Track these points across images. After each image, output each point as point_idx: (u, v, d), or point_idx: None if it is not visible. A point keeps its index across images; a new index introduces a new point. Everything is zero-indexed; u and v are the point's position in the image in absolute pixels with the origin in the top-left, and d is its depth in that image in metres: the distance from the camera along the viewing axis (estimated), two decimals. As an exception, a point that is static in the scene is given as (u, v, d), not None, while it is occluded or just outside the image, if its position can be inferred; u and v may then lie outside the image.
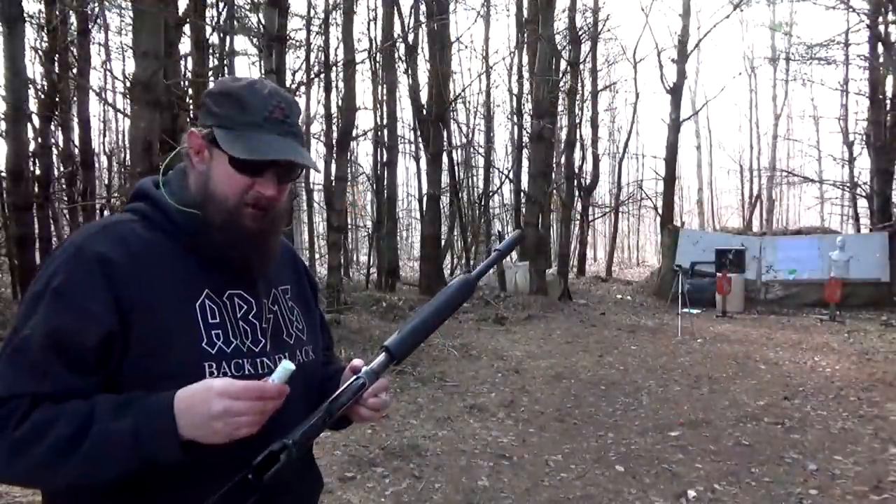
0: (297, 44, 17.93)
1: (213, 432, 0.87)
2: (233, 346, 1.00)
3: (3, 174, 9.73)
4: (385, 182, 17.03)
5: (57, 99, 11.05)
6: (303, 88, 17.82)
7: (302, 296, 1.21)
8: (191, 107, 8.54)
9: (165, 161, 1.09)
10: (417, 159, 19.68)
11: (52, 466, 0.87)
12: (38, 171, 10.07)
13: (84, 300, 0.92)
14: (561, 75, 16.26)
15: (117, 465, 0.87)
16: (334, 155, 11.82)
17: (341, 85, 16.21)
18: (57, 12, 10.39)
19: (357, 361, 1.07)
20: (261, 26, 11.41)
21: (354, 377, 1.01)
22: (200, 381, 0.90)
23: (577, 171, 19.24)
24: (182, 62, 11.13)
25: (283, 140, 1.02)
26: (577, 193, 20.30)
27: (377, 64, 17.92)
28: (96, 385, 0.93)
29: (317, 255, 20.24)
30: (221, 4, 12.55)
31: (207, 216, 1.02)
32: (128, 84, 9.26)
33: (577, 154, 19.77)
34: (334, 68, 17.42)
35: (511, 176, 19.05)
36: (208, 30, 10.92)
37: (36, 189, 9.47)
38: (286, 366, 0.91)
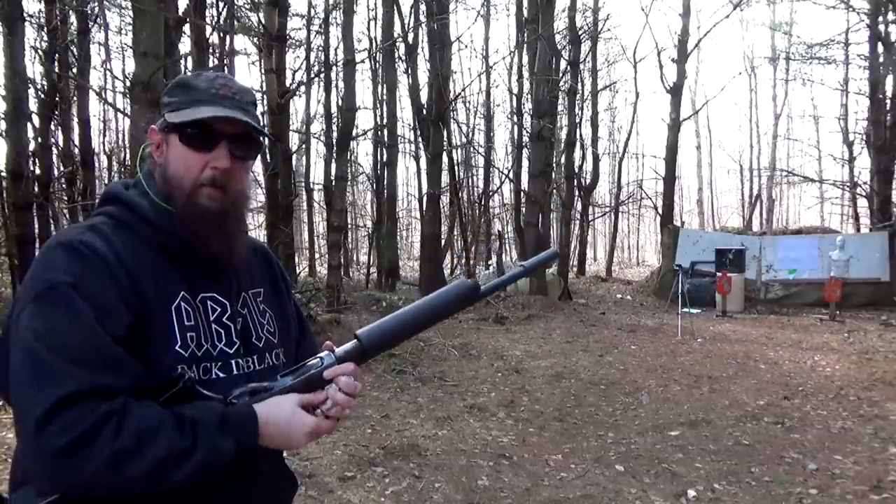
0: (297, 43, 17.94)
1: (294, 446, 1.00)
2: (204, 349, 0.99)
3: (3, 174, 9.72)
4: (385, 182, 17.04)
5: (57, 99, 11.04)
6: (303, 88, 17.84)
7: (277, 298, 1.20)
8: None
9: (136, 160, 1.11)
10: (417, 159, 19.70)
11: (159, 477, 0.85)
12: (38, 171, 10.06)
13: (101, 290, 0.91)
14: (561, 75, 16.25)
15: (219, 475, 0.91)
16: (334, 155, 11.82)
17: (341, 85, 16.24)
18: (57, 12, 10.38)
19: (330, 343, 1.06)
20: (261, 26, 11.43)
21: (313, 357, 1.01)
22: (290, 408, 0.96)
23: (577, 170, 19.24)
24: (182, 62, 11.14)
25: (228, 109, 1.03)
26: (577, 193, 20.31)
27: (377, 64, 17.93)
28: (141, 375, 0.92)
29: (317, 255, 20.25)
30: (221, 4, 12.55)
31: (171, 202, 1.02)
32: (128, 84, 9.25)
33: (577, 154, 19.78)
34: (334, 68, 17.44)
35: (511, 176, 19.05)
36: (208, 29, 10.92)
37: (36, 189, 9.46)
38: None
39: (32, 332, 0.87)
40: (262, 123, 1.11)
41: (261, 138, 1.09)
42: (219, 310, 1.04)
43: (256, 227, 11.12)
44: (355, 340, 1.02)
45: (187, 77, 1.07)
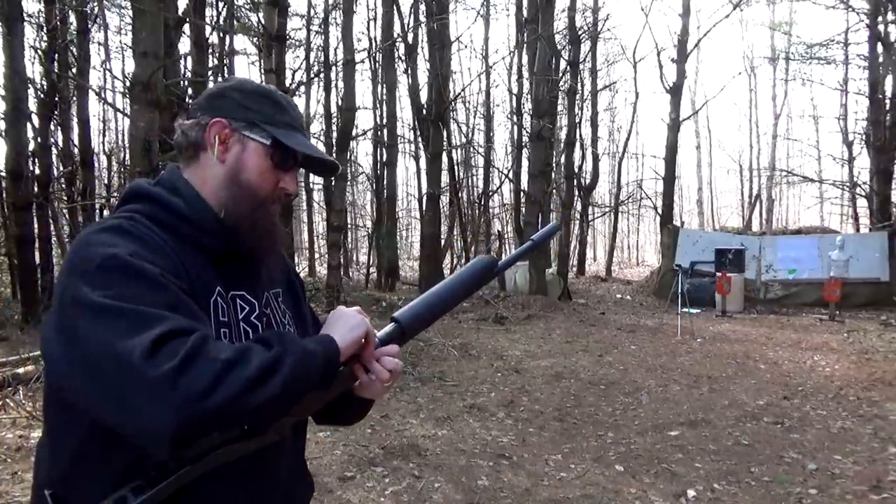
0: (297, 43, 17.97)
1: (351, 335, 0.98)
2: None
3: (3, 174, 9.72)
4: (385, 182, 17.04)
5: (56, 99, 11.04)
6: (303, 88, 17.84)
7: (293, 300, 1.22)
8: (190, 106, 8.55)
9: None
10: (417, 159, 19.70)
11: (261, 384, 0.82)
12: (37, 171, 10.07)
13: (160, 262, 0.90)
14: (561, 75, 16.26)
15: (310, 383, 0.90)
16: (334, 154, 11.83)
17: (341, 84, 16.25)
18: (57, 12, 10.38)
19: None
20: (260, 26, 11.43)
21: None
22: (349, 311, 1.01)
23: (576, 170, 19.24)
24: (182, 62, 11.14)
25: (311, 140, 1.12)
26: (576, 193, 20.31)
27: (377, 64, 17.94)
28: None
29: (317, 255, 20.25)
30: (221, 4, 12.56)
31: (231, 205, 1.03)
32: (127, 84, 9.25)
33: (577, 154, 19.79)
34: (334, 68, 17.45)
35: (511, 175, 19.06)
36: (208, 29, 10.92)
37: (36, 189, 9.46)
38: None
39: (104, 295, 0.82)
40: None
41: None
42: (247, 308, 1.05)
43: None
44: (393, 323, 1.04)
45: (273, 91, 1.09)
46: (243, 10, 14.82)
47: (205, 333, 0.83)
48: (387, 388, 1.06)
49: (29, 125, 9.29)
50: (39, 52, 11.18)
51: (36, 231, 8.95)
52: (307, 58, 17.37)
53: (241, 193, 1.03)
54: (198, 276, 0.98)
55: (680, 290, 9.60)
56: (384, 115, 17.21)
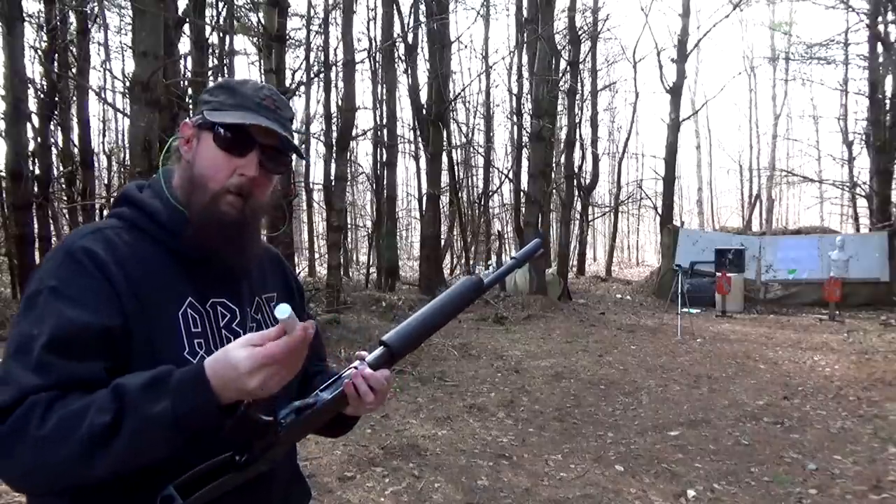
0: (297, 43, 17.96)
1: (255, 392, 0.83)
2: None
3: (3, 174, 9.72)
4: (385, 182, 17.04)
5: (56, 99, 11.04)
6: (303, 88, 17.83)
7: (289, 303, 1.20)
8: (190, 106, 8.55)
9: (160, 157, 1.09)
10: (417, 159, 19.69)
11: (89, 459, 0.81)
12: (37, 171, 10.07)
13: (83, 294, 0.90)
14: (561, 75, 16.26)
15: (160, 447, 0.84)
16: (334, 155, 11.82)
17: (341, 85, 16.24)
18: (57, 12, 10.39)
19: (362, 352, 1.05)
20: (260, 26, 11.42)
21: (349, 366, 1.02)
22: (222, 351, 0.84)
23: (576, 170, 19.25)
24: (182, 62, 11.13)
25: (270, 121, 1.02)
26: (576, 193, 20.32)
27: (377, 64, 17.93)
28: (107, 373, 0.88)
29: (317, 255, 20.26)
30: (221, 4, 12.55)
31: (189, 204, 1.01)
32: (127, 84, 9.25)
33: (577, 154, 19.80)
34: (334, 68, 17.44)
35: (511, 175, 19.07)
36: (208, 29, 10.91)
37: (36, 189, 9.47)
38: (282, 309, 0.86)
39: (11, 337, 0.91)
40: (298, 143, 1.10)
41: (287, 155, 1.09)
42: (228, 316, 1.03)
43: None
44: (382, 347, 1.02)
45: (233, 81, 1.07)
46: (243, 10, 14.80)
47: (28, 406, 0.82)
48: (373, 408, 1.03)
49: (29, 125, 9.29)
50: (39, 52, 11.19)
51: (36, 231, 8.95)
52: (307, 58, 17.34)
53: (194, 187, 1.01)
54: (163, 287, 0.97)
55: (680, 290, 9.60)
56: (384, 115, 17.20)
